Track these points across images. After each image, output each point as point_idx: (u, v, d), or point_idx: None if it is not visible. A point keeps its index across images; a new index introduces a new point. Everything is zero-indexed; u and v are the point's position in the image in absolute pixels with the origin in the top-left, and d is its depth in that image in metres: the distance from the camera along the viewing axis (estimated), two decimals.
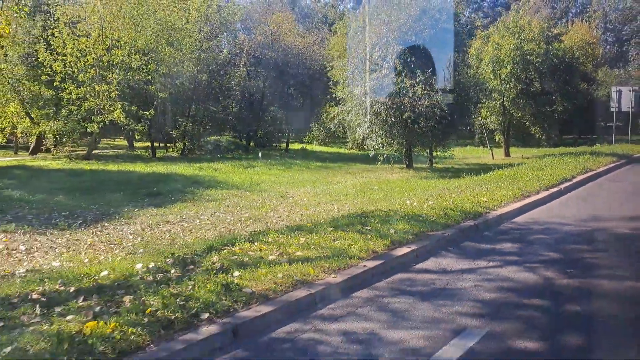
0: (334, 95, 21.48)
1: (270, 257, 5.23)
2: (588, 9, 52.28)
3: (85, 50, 19.71)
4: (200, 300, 3.99)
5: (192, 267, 4.94)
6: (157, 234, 8.05)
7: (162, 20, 21.09)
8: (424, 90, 16.48)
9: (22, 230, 8.43)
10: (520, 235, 6.94)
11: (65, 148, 22.08)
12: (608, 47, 50.14)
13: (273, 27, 24.59)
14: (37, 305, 3.93)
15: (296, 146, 31.26)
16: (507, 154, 25.24)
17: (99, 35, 19.90)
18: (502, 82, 23.68)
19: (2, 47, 19.55)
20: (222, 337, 3.64)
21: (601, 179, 12.79)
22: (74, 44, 19.31)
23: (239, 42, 23.93)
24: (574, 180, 11.40)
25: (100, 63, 20.22)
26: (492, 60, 23.37)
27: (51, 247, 7.45)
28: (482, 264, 5.53)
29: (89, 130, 20.78)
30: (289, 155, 26.15)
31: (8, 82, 20.44)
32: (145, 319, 3.61)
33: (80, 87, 20.07)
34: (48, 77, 19.49)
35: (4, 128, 22.65)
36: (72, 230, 8.53)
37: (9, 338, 3.29)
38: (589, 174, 12.54)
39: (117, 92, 19.90)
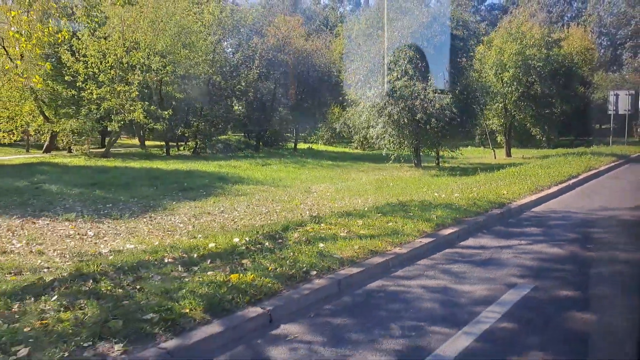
0: (340, 97, 22.55)
1: (341, 234, 6.33)
2: (583, 14, 53.92)
3: (106, 51, 20.63)
4: (305, 262, 5.08)
5: (280, 240, 6.02)
6: (205, 223, 8.91)
7: (179, 24, 22.08)
8: (435, 93, 17.64)
9: (82, 219, 9.30)
10: (541, 221, 8.10)
11: (84, 146, 22.99)
12: (602, 50, 51.80)
13: (284, 30, 25.67)
14: (179, 265, 5.00)
15: (303, 146, 32.42)
16: (509, 154, 26.54)
17: (119, 38, 20.84)
18: (504, 85, 24.95)
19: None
20: (330, 288, 4.73)
21: (603, 176, 14.03)
22: (95, 45, 20.22)
23: (251, 45, 24.95)
24: (580, 177, 12.61)
25: (120, 64, 21.16)
26: (494, 64, 24.63)
27: (115, 233, 8.38)
28: (514, 242, 6.66)
29: (109, 129, 21.74)
30: (299, 154, 27.26)
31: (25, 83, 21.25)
32: (271, 274, 4.69)
33: (100, 87, 20.97)
34: (71, 78, 20.37)
35: (19, 126, 23.50)
36: (124, 220, 9.41)
37: (178, 285, 4.35)
38: (592, 171, 13.77)
39: (137, 93, 20.84)
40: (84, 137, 22.61)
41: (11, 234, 8.06)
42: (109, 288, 4.28)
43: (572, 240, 6.80)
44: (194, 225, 8.78)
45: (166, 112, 21.54)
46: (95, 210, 10.49)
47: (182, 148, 27.57)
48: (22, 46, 8.40)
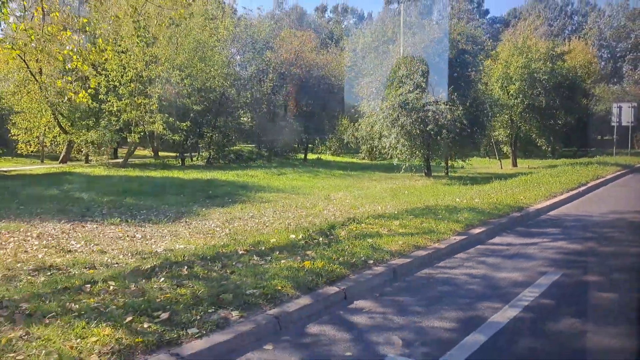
0: (352, 109, 23.38)
1: (383, 232, 7.16)
2: (584, 27, 55.27)
3: (126, 65, 21.56)
4: (362, 253, 5.90)
5: (331, 237, 6.84)
6: (239, 227, 9.60)
7: (196, 39, 23.08)
8: (446, 105, 18.55)
9: (125, 224, 10.06)
10: (558, 223, 8.94)
11: (103, 157, 23.86)
12: (603, 63, 53.07)
13: (297, 45, 26.71)
14: (254, 255, 5.81)
15: (312, 156, 33.33)
16: (514, 164, 27.46)
17: (140, 52, 21.77)
18: (510, 97, 25.93)
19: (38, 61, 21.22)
20: (387, 274, 5.55)
21: (610, 184, 14.92)
22: (116, 60, 21.15)
23: (265, 59, 25.95)
24: (588, 185, 13.48)
25: (140, 78, 22.08)
26: (501, 77, 25.64)
27: (160, 235, 9.13)
28: (537, 240, 7.50)
29: (129, 140, 22.62)
30: (309, 164, 28.13)
31: (45, 96, 22.15)
32: (336, 262, 5.51)
33: (120, 100, 21.86)
34: (94, 91, 21.26)
35: (35, 137, 24.40)
36: (163, 224, 10.15)
37: (262, 269, 5.17)
38: (600, 180, 14.65)
39: (156, 105, 21.74)
40: (103, 148, 23.49)
41: (67, 235, 8.83)
42: (204, 272, 5.10)
43: (588, 238, 7.64)
44: (230, 229, 9.49)
45: (184, 124, 22.46)
46: (132, 216, 11.19)
47: (195, 158, 28.44)
48: (74, 64, 9.24)
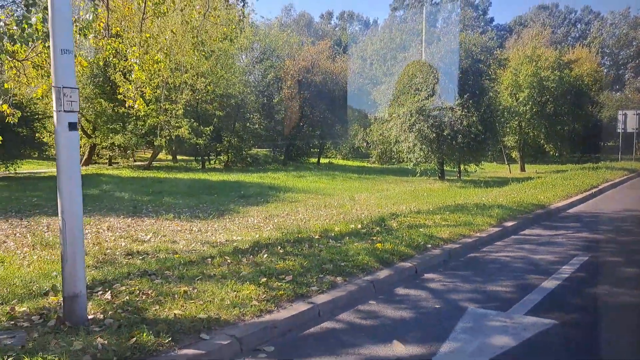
0: (362, 114, 24.47)
1: (428, 223, 8.29)
2: (587, 35, 56.69)
3: (152, 72, 22.70)
4: (419, 239, 7.03)
5: (386, 226, 7.98)
6: (280, 222, 10.52)
7: (219, 47, 24.26)
8: (462, 111, 19.74)
9: (178, 219, 11.12)
10: (577, 218, 10.11)
11: (129, 159, 25.03)
12: (605, 70, 54.49)
13: (314, 53, 27.95)
14: (330, 240, 6.94)
15: (323, 160, 34.54)
16: (523, 169, 28.64)
17: (167, 59, 22.94)
18: (519, 104, 27.14)
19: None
20: (444, 256, 6.68)
21: (620, 186, 16.11)
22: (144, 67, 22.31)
23: (283, 67, 27.17)
24: (600, 187, 14.65)
25: (167, 84, 23.23)
26: (510, 85, 26.87)
27: (214, 229, 10.17)
28: (563, 232, 8.64)
29: (155, 144, 23.75)
30: (323, 167, 29.31)
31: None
32: (401, 245, 6.63)
33: (147, 105, 22.96)
34: (123, 97, 22.37)
35: None
36: (211, 220, 11.19)
37: (344, 249, 6.29)
38: (610, 182, 15.83)
39: (182, 110, 22.90)
40: (129, 151, 24.65)
41: (132, 228, 9.93)
42: (297, 250, 6.22)
43: (607, 230, 8.79)
44: (272, 224, 10.41)
45: (207, 129, 23.62)
46: (178, 213, 12.25)
47: (212, 161, 29.58)
48: (136, 75, 10.36)
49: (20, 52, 7.09)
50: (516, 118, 27.30)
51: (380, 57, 43.10)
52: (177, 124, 22.91)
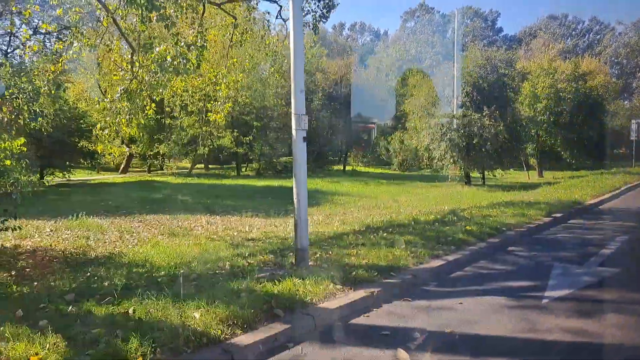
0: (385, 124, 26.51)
1: (492, 214, 10.37)
2: (595, 45, 59.10)
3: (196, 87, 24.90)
4: (494, 224, 9.10)
5: (460, 216, 10.06)
6: (343, 219, 12.09)
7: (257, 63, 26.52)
8: (490, 121, 21.88)
9: (256, 217, 13.02)
10: (611, 212, 12.23)
11: (174, 166, 27.19)
12: (614, 79, 56.81)
13: (343, 67, 30.25)
14: (423, 224, 9.02)
15: (348, 167, 36.71)
16: (541, 175, 30.76)
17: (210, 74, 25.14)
18: (537, 114, 29.35)
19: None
20: (518, 236, 8.76)
21: (639, 188, 18.21)
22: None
23: (315, 81, 29.41)
24: (622, 189, 16.77)
25: (209, 97, 25.41)
26: (528, 95, 29.08)
27: (292, 222, 12.15)
28: (601, 221, 10.76)
29: (199, 152, 25.90)
30: (349, 174, 31.42)
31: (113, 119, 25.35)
32: (484, 228, 8.71)
33: (190, 117, 25.14)
34: (170, 110, 24.60)
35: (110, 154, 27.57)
36: (280, 218, 13.09)
37: (440, 230, 8.38)
38: (629, 185, 17.96)
39: (225, 121, 25.04)
40: (172, 160, 26.82)
41: (227, 222, 11.91)
42: (406, 231, 8.31)
43: (637, 219, 10.91)
44: (338, 220, 12.33)
45: (246, 138, 25.77)
46: (251, 212, 14.01)
47: (243, 169, 31.70)
48: (224, 93, 12.50)
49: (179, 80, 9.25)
50: (534, 127, 29.47)
51: (396, 69, 45.55)
52: (220, 134, 25.05)
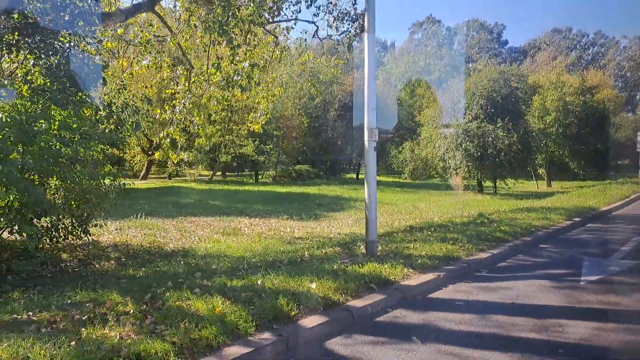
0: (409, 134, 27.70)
1: (518, 217, 11.49)
2: (599, 58, 60.53)
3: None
4: (524, 225, 10.22)
5: (489, 219, 11.17)
6: (379, 221, 13.72)
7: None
8: (503, 132, 23.07)
9: (290, 220, 14.11)
10: (624, 217, 13.35)
11: (196, 173, 28.34)
12: (618, 92, 58.20)
13: (358, 79, 31.48)
14: (458, 225, 10.14)
15: (360, 176, 37.88)
16: (549, 184, 31.93)
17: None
18: (547, 126, 30.60)
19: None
20: (545, 236, 9.87)
21: None
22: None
23: (333, 92, 30.68)
24: (631, 197, 17.90)
25: (231, 107, 26.62)
26: (537, 108, 30.32)
27: (325, 226, 13.26)
28: (617, 225, 11.87)
29: (222, 159, 27.08)
30: (362, 182, 32.49)
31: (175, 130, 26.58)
32: (517, 229, 9.82)
33: (213, 125, 26.27)
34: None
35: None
36: (312, 221, 14.16)
37: (478, 229, 9.49)
38: (638, 194, 19.09)
39: (247, 131, 26.24)
40: (194, 167, 27.98)
41: (266, 224, 13.01)
42: (447, 231, 9.43)
43: None
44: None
45: (267, 147, 26.95)
46: (286, 215, 15.03)
47: (260, 176, 32.85)
48: (263, 105, 13.67)
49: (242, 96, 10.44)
50: (544, 138, 30.71)
51: (405, 80, 46.86)
52: (242, 143, 26.23)
